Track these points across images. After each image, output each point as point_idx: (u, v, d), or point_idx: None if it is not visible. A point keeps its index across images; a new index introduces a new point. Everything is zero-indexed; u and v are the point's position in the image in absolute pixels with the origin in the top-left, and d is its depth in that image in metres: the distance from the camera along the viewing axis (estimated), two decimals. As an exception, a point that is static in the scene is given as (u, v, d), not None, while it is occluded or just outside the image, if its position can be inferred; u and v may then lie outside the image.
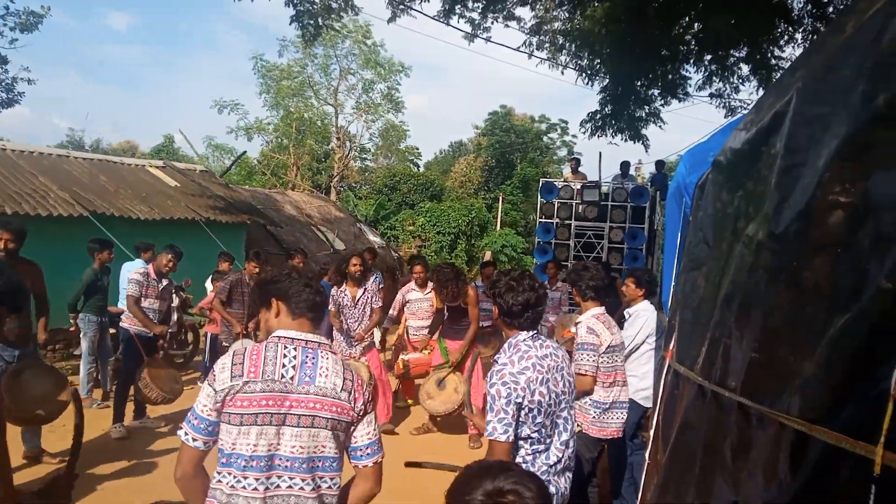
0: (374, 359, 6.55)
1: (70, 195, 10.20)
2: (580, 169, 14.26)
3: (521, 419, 2.58)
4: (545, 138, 39.72)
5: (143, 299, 6.19)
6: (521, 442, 2.64)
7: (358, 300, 6.40)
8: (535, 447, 2.65)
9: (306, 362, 2.08)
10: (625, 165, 13.50)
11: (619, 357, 4.16)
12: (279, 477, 2.01)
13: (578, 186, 12.83)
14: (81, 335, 7.11)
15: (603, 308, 4.19)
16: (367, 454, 2.17)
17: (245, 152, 23.65)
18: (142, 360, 5.88)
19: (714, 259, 2.43)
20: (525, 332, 2.75)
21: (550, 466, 2.67)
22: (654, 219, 12.71)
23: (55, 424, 5.72)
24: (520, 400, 2.55)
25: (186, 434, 2.05)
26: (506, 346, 2.76)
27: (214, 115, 71.84)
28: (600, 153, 14.87)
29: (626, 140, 11.55)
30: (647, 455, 3.21)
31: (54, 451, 5.39)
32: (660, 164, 13.73)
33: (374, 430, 2.20)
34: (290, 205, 17.49)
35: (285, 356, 2.08)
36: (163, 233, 9.81)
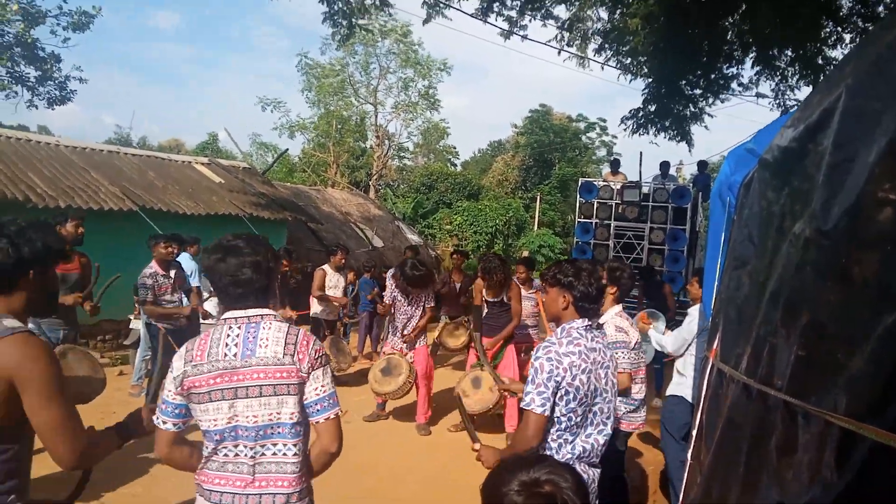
0: (420, 355, 6.61)
1: (120, 190, 10.52)
2: (620, 169, 14.14)
3: (555, 400, 2.62)
4: (584, 138, 39.42)
5: (159, 299, 6.37)
6: (548, 424, 2.67)
7: (412, 297, 6.54)
8: (562, 434, 2.67)
9: (248, 337, 2.21)
10: (664, 165, 13.33)
11: (642, 355, 4.31)
12: (246, 446, 2.18)
13: (618, 186, 12.72)
14: (141, 324, 7.29)
15: (620, 306, 4.27)
16: (317, 410, 2.22)
17: (287, 150, 24.15)
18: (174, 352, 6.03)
19: (759, 257, 2.42)
20: (581, 321, 2.77)
21: (575, 457, 2.70)
22: (696, 220, 12.51)
23: (101, 407, 5.97)
24: (559, 379, 2.60)
25: (157, 418, 2.27)
26: (558, 330, 2.79)
27: (258, 114, 73.10)
28: (641, 153, 14.65)
29: (669, 139, 11.34)
30: (689, 455, 3.19)
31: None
32: (702, 164, 13.52)
33: (324, 385, 2.23)
34: (330, 202, 17.71)
35: (228, 335, 2.22)
36: (207, 228, 10.05)
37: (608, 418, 2.82)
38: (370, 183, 29.53)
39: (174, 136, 48.17)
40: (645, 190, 12.73)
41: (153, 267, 6.43)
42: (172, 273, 6.53)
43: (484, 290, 6.48)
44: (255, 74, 78.64)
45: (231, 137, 38.09)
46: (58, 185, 9.77)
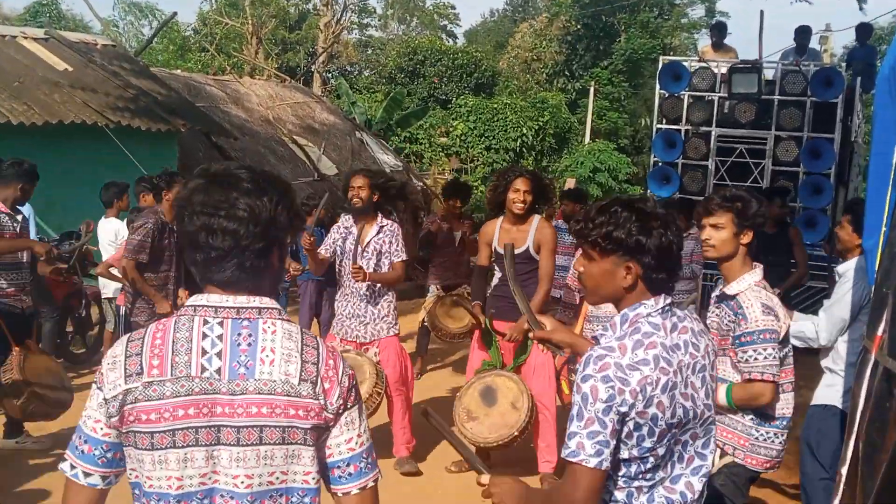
0: (390, 350, 6.65)
1: None
2: (727, 41, 14.02)
3: (621, 437, 2.59)
4: (668, -12, 39.06)
5: None
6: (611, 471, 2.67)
7: (369, 243, 6.49)
8: (631, 482, 2.67)
9: (239, 343, 2.09)
10: (803, 33, 13.18)
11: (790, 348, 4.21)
12: None
13: (724, 70, 12.63)
14: None
15: (760, 269, 4.11)
16: (349, 475, 2.18)
17: (175, 15, 23.73)
18: (9, 349, 5.98)
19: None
20: (652, 302, 2.65)
21: None
22: (850, 124, 12.46)
23: None
24: (624, 409, 2.54)
25: (74, 467, 2.13)
26: (617, 319, 2.68)
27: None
28: (762, 13, 14.09)
29: None
30: (836, 502, 3.25)
31: None
32: (864, 30, 13.38)
33: (360, 434, 2.20)
34: (248, 102, 17.62)
35: (205, 336, 2.10)
36: (47, 144, 9.99)
37: (706, 445, 2.83)
38: (314, 70, 29.32)
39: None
40: (769, 75, 12.65)
41: None
42: (20, 218, 6.44)
43: (496, 238, 6.38)
44: None
45: (82, -6, 37.69)
46: None
